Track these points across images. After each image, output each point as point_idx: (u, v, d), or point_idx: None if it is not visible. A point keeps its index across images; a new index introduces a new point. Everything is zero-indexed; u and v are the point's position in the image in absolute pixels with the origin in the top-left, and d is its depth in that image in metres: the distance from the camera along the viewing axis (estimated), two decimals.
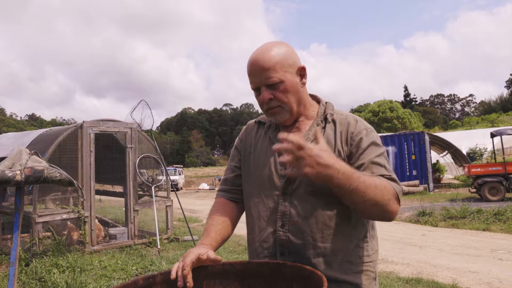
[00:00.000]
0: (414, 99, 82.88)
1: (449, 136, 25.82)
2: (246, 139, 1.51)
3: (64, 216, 6.16)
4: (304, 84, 1.36)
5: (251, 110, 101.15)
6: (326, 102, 1.43)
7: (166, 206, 7.47)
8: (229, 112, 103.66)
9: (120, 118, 7.17)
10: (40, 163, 2.98)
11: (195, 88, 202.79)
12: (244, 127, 1.57)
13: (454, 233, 7.89)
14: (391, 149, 17.12)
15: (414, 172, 16.79)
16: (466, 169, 13.06)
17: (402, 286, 4.49)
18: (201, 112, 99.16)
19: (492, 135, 12.49)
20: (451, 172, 23.78)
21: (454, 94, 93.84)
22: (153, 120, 7.56)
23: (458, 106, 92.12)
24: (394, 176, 1.25)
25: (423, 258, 5.95)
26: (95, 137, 6.55)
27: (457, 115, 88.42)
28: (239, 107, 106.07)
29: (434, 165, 19.02)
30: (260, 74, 1.28)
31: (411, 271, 5.23)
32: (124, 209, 7.72)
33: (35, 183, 3.05)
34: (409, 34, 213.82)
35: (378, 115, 53.67)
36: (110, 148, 7.49)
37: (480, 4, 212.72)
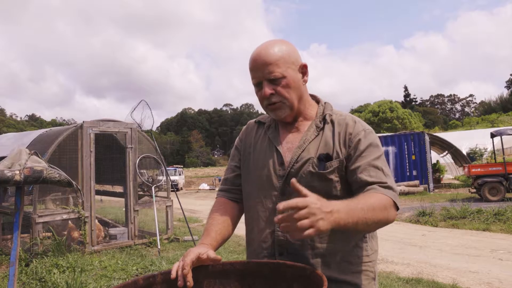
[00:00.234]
0: (414, 99, 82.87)
1: (449, 136, 25.81)
2: (246, 139, 1.51)
3: (64, 216, 6.16)
4: (305, 82, 1.36)
5: (251, 110, 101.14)
6: (325, 103, 1.43)
7: (166, 206, 7.47)
8: (229, 112, 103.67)
9: (120, 118, 7.17)
10: (40, 164, 2.98)
11: (195, 88, 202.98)
12: (244, 127, 1.57)
13: (454, 233, 7.89)
14: (391, 149, 17.12)
15: (414, 172, 16.79)
16: (466, 169, 13.06)
17: (402, 286, 4.49)
18: (201, 112, 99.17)
19: (492, 135, 12.50)
20: (451, 172, 23.78)
21: (454, 94, 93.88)
22: (153, 120, 7.57)
23: (458, 106, 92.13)
24: (390, 181, 1.25)
25: (423, 258, 5.95)
26: (95, 137, 6.55)
27: (457, 115, 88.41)
28: (239, 107, 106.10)
29: (434, 165, 19.02)
30: (262, 69, 1.28)
31: (411, 271, 5.23)
32: (124, 209, 7.72)
33: (34, 184, 3.05)
34: (409, 34, 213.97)
35: (378, 115, 53.67)
36: (110, 148, 7.50)
37: (480, 4, 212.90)
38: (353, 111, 60.74)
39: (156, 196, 7.12)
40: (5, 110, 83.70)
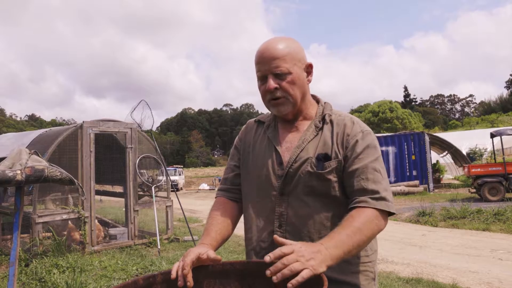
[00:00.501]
0: (414, 100, 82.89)
1: (449, 136, 25.81)
2: (246, 138, 1.51)
3: (64, 216, 6.16)
4: (309, 81, 1.37)
5: (251, 110, 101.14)
6: (325, 103, 1.43)
7: (166, 206, 7.47)
8: (229, 112, 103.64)
9: (120, 119, 7.17)
10: (40, 163, 2.98)
11: (195, 89, 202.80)
12: (244, 126, 1.57)
13: (454, 233, 7.89)
14: (391, 149, 17.13)
15: (414, 172, 16.79)
16: (466, 169, 13.07)
17: (402, 286, 4.49)
18: (201, 112, 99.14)
19: (492, 136, 12.50)
20: (451, 172, 23.77)
21: (454, 95, 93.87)
22: (153, 120, 7.57)
23: (458, 106, 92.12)
24: (384, 186, 1.25)
25: (423, 258, 5.95)
26: (95, 137, 6.55)
27: (457, 115, 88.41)
28: (239, 108, 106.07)
29: (434, 165, 19.02)
30: (269, 62, 1.28)
31: (411, 271, 5.23)
32: (124, 209, 7.72)
33: (36, 183, 3.05)
34: (409, 35, 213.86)
35: (378, 116, 53.69)
36: (110, 148, 7.49)
37: (480, 4, 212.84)
38: (353, 111, 60.78)
39: (156, 196, 7.12)
40: (5, 110, 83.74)
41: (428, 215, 9.39)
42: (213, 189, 27.86)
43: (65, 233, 6.27)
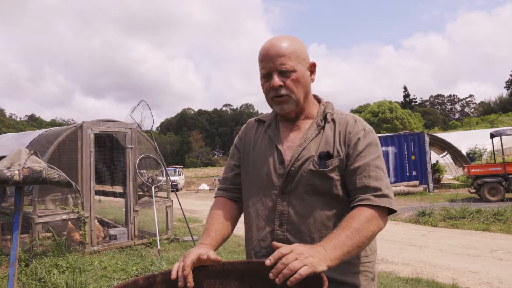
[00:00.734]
0: (414, 100, 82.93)
1: (448, 136, 25.85)
2: (246, 137, 1.50)
3: (64, 216, 6.16)
4: (313, 80, 1.38)
5: (251, 110, 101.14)
6: (326, 102, 1.44)
7: (166, 206, 7.46)
8: (229, 112, 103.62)
9: (120, 119, 7.17)
10: (39, 164, 2.97)
11: (195, 89, 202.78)
12: (244, 125, 1.56)
13: (453, 233, 7.89)
14: (391, 149, 17.14)
15: (414, 173, 16.80)
16: (465, 170, 13.07)
17: (402, 286, 4.49)
18: (201, 112, 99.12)
19: (492, 136, 12.51)
20: (451, 172, 23.78)
21: (453, 95, 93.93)
22: (153, 120, 7.57)
23: (457, 106, 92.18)
24: (384, 185, 1.25)
25: (423, 258, 5.95)
26: (95, 137, 6.55)
27: (457, 115, 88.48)
28: (239, 108, 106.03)
29: (434, 165, 19.02)
30: (274, 60, 1.28)
31: (411, 271, 5.23)
32: (124, 209, 7.72)
33: (34, 184, 3.05)
34: (408, 35, 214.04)
35: (378, 116, 53.73)
36: (110, 148, 7.49)
37: (479, 4, 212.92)
38: (353, 112, 60.70)
39: (156, 196, 7.12)
40: (4, 111, 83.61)
41: (428, 215, 9.39)
42: (213, 189, 27.86)
43: (65, 233, 6.27)
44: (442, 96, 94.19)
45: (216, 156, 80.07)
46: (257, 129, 1.49)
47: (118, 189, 8.30)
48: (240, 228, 1.46)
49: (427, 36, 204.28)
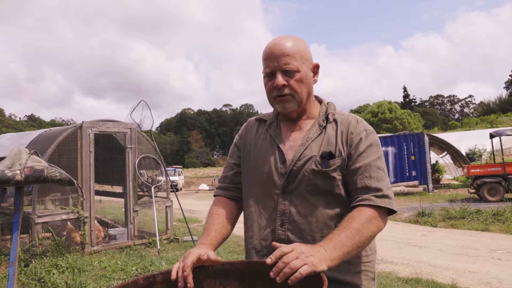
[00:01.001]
0: (413, 100, 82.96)
1: (448, 136, 25.86)
2: (246, 136, 1.50)
3: (64, 216, 6.16)
4: (315, 81, 1.38)
5: (251, 110, 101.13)
6: (328, 103, 1.44)
7: (166, 206, 7.46)
8: (228, 112, 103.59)
9: (120, 119, 7.17)
10: (40, 163, 2.98)
11: (194, 89, 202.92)
12: (244, 124, 1.56)
13: (453, 233, 7.90)
14: (390, 149, 17.14)
15: (414, 173, 16.80)
16: (465, 170, 13.08)
17: (402, 286, 4.49)
18: (200, 112, 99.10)
19: (492, 136, 12.52)
20: (451, 172, 23.79)
21: (453, 95, 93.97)
22: (152, 120, 7.57)
23: (457, 107, 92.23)
24: (385, 186, 1.26)
25: (423, 258, 5.95)
26: (94, 137, 6.55)
27: (457, 116, 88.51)
28: (238, 108, 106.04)
29: (433, 165, 19.03)
30: (279, 59, 1.29)
31: (410, 271, 5.23)
32: (123, 209, 7.72)
33: (35, 183, 3.05)
34: (408, 35, 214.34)
35: (377, 116, 53.74)
36: (110, 148, 7.49)
37: (479, 5, 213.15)
38: (353, 112, 60.58)
39: (155, 196, 7.12)
40: (4, 111, 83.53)
41: (427, 215, 9.39)
42: (212, 190, 27.83)
43: (65, 233, 6.26)
44: (442, 96, 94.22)
45: (215, 156, 80.00)
46: (258, 128, 1.48)
47: (118, 189, 8.30)
48: (239, 228, 1.46)
49: (426, 37, 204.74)
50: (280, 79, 1.29)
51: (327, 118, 1.36)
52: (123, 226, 7.53)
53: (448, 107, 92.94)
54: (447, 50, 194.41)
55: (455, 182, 20.27)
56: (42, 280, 4.77)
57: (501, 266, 5.36)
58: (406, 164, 17.03)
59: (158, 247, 6.43)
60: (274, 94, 1.33)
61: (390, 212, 1.26)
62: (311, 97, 1.40)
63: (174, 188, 8.10)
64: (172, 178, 16.64)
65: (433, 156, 20.34)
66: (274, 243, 1.09)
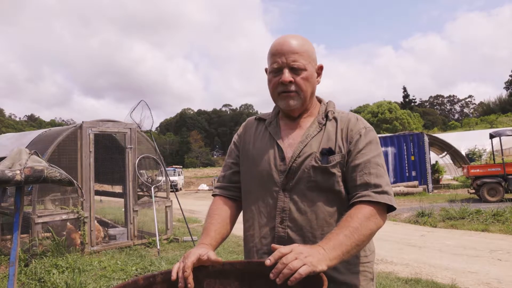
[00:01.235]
0: (413, 100, 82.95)
1: (448, 137, 25.87)
2: (245, 135, 1.50)
3: (64, 216, 6.16)
4: (318, 82, 1.40)
5: (251, 110, 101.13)
6: (327, 102, 1.45)
7: (166, 206, 7.46)
8: (228, 112, 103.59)
9: (120, 119, 7.17)
10: (40, 163, 2.98)
11: (194, 89, 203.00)
12: (244, 123, 1.56)
13: (453, 233, 7.90)
14: (390, 149, 17.14)
15: (413, 173, 16.80)
16: (465, 170, 13.08)
17: (401, 286, 4.50)
18: (200, 112, 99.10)
19: (491, 136, 12.51)
20: (450, 173, 23.80)
21: (453, 95, 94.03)
22: (152, 120, 7.58)
23: (457, 107, 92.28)
24: (384, 182, 1.26)
25: (422, 258, 5.96)
26: (94, 137, 6.55)
27: (456, 116, 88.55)
28: (238, 108, 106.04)
29: (433, 166, 19.04)
30: (288, 55, 1.30)
31: (410, 271, 5.24)
32: (123, 209, 7.72)
33: (35, 183, 3.05)
34: (408, 35, 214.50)
35: (377, 116, 53.74)
36: (110, 148, 7.49)
37: (478, 5, 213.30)
38: (352, 112, 60.75)
39: (155, 196, 7.12)
40: (4, 111, 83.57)
41: (427, 215, 9.39)
42: (212, 190, 27.82)
43: (64, 233, 6.26)
44: (442, 96, 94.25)
45: (215, 157, 79.99)
46: (257, 127, 1.49)
47: (118, 189, 8.30)
48: (239, 229, 1.46)
49: (426, 37, 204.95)
50: (287, 75, 1.29)
51: (326, 116, 1.37)
52: (123, 226, 7.52)
53: (448, 107, 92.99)
54: (447, 50, 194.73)
55: (455, 183, 20.26)
56: (42, 280, 4.77)
57: (501, 266, 5.36)
58: (406, 164, 17.03)
59: (158, 247, 6.43)
60: (279, 90, 1.33)
61: (390, 209, 1.26)
62: (313, 97, 1.41)
63: (174, 188, 8.11)
64: (172, 178, 16.63)
65: (433, 156, 20.35)
66: (273, 244, 1.10)
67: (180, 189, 28.03)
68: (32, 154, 3.03)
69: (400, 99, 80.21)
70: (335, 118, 1.37)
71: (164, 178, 7.51)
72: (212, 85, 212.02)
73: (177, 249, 6.78)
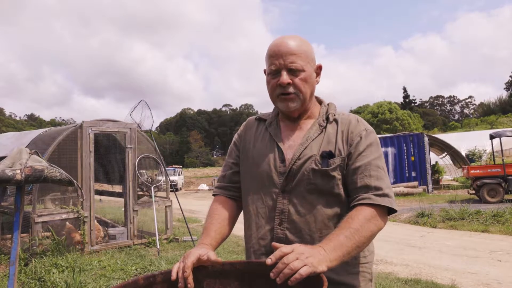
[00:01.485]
0: (413, 101, 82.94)
1: (448, 137, 25.87)
2: (246, 135, 1.50)
3: (64, 216, 6.16)
4: (317, 82, 1.39)
5: (251, 110, 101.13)
6: (328, 103, 1.44)
7: (166, 206, 7.47)
8: (228, 112, 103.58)
9: (120, 119, 7.17)
10: (40, 163, 2.98)
11: (194, 89, 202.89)
12: (244, 123, 1.56)
13: (453, 234, 7.90)
14: (390, 150, 17.15)
15: (413, 173, 16.81)
16: (465, 171, 13.08)
17: (401, 287, 4.50)
18: (200, 112, 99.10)
19: (492, 137, 12.52)
20: (450, 173, 23.80)
21: (453, 96, 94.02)
22: (152, 120, 7.58)
23: (457, 107, 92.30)
24: (385, 185, 1.26)
25: (422, 259, 5.96)
26: (94, 137, 6.55)
27: (457, 116, 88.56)
28: (238, 108, 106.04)
29: (433, 166, 19.04)
30: (285, 57, 1.29)
31: (410, 272, 5.24)
32: (123, 209, 7.72)
33: (35, 183, 3.06)
34: (408, 36, 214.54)
35: (377, 117, 53.72)
36: (110, 148, 7.49)
37: (478, 5, 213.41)
38: (352, 112, 60.67)
39: (155, 196, 7.12)
40: (4, 110, 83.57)
41: (427, 216, 9.40)
42: (212, 190, 27.80)
43: (64, 232, 6.27)
44: (442, 97, 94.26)
45: (215, 156, 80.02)
46: (257, 128, 1.48)
47: (118, 188, 8.30)
48: (239, 229, 1.46)
49: (426, 37, 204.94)
50: (285, 77, 1.29)
51: (327, 118, 1.37)
52: (122, 226, 7.53)
53: (448, 107, 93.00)
54: (447, 50, 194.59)
55: (455, 183, 20.28)
56: (42, 280, 4.77)
57: (501, 267, 5.36)
58: (406, 165, 17.04)
59: (158, 247, 6.43)
60: (278, 92, 1.33)
61: (390, 211, 1.26)
62: (313, 98, 1.41)
63: (174, 188, 8.11)
64: (171, 178, 16.63)
65: (433, 157, 20.35)
66: (274, 243, 1.10)
67: (180, 189, 28.03)
68: (32, 154, 3.04)
69: (400, 99, 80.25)
70: (335, 120, 1.36)
71: (164, 178, 7.52)
72: (212, 85, 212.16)
73: (177, 249, 6.78)
